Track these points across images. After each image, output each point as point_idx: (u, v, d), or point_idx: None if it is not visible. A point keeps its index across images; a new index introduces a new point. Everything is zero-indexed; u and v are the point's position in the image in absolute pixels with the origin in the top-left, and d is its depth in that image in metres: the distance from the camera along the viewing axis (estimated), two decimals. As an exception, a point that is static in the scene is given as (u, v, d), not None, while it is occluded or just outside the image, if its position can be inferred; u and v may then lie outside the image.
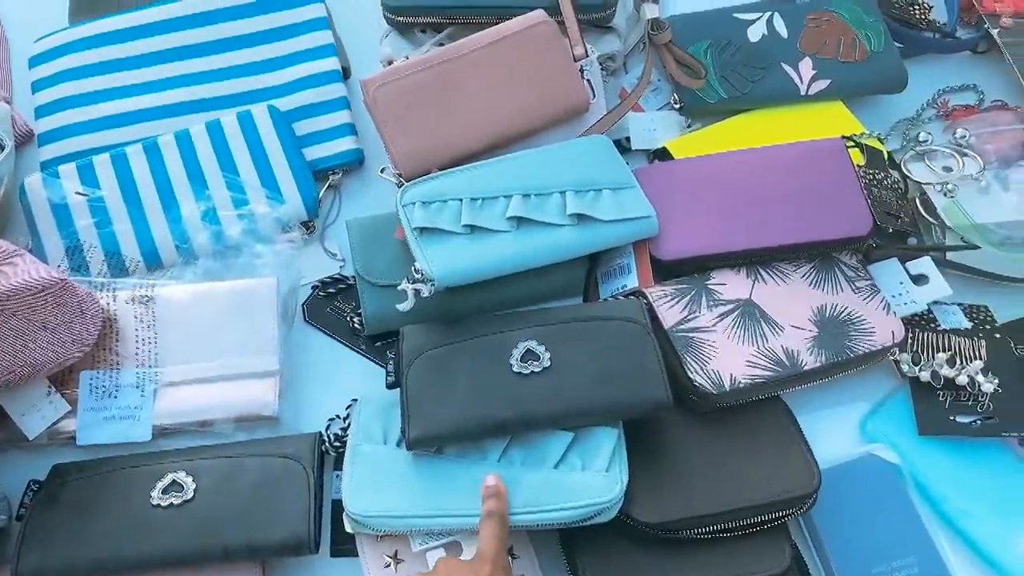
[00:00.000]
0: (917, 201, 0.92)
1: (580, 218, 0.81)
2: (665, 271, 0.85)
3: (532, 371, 0.74)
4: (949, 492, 0.77)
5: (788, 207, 0.84)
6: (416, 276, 0.77)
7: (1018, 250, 0.88)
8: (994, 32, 1.02)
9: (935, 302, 0.87)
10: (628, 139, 0.95)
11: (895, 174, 0.92)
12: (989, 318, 0.86)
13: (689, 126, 0.96)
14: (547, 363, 0.74)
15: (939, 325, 0.85)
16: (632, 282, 0.83)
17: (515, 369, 0.74)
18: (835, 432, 0.81)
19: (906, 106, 1.01)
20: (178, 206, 0.83)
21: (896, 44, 1.02)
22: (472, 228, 0.80)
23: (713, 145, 0.93)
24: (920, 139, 0.96)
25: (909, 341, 0.84)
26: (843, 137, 0.92)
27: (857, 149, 0.92)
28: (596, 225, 0.81)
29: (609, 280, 0.86)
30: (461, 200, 0.80)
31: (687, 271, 0.85)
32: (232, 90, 0.94)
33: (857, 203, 0.84)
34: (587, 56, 0.91)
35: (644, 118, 0.95)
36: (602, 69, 0.98)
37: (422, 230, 0.79)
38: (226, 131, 0.86)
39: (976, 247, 0.87)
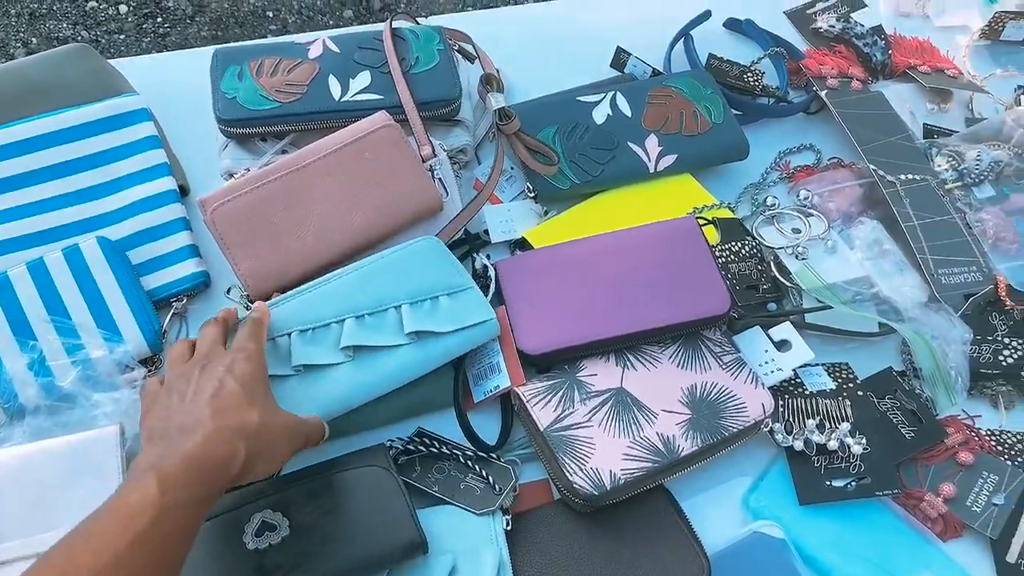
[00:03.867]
0: (772, 266, 0.94)
1: (419, 335, 0.78)
2: (535, 365, 0.84)
3: (270, 544, 0.69)
4: (835, 559, 0.78)
5: (648, 290, 0.85)
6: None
7: (866, 307, 0.91)
8: (822, 93, 1.07)
9: (800, 366, 0.88)
10: (487, 232, 0.94)
11: (751, 241, 0.94)
12: (850, 376, 0.88)
13: (546, 213, 0.96)
14: (286, 532, 0.69)
15: (806, 389, 0.87)
16: (504, 382, 0.81)
17: (250, 546, 0.69)
18: (719, 513, 0.81)
19: (751, 172, 1.04)
20: (0, 361, 0.76)
21: (735, 112, 1.06)
22: (305, 367, 0.76)
23: (571, 230, 0.93)
24: (768, 203, 0.99)
25: (780, 410, 0.85)
26: (696, 214, 0.94)
27: (711, 226, 0.94)
28: (434, 339, 0.78)
29: (481, 382, 0.83)
30: (290, 335, 0.76)
31: (557, 363, 0.83)
32: (61, 221, 0.87)
33: (714, 281, 0.85)
34: (435, 155, 0.89)
35: (500, 209, 0.95)
36: (454, 163, 0.97)
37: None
38: (51, 270, 0.79)
39: (829, 307, 0.89)
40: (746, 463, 0.84)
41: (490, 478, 0.76)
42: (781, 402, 0.85)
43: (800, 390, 0.87)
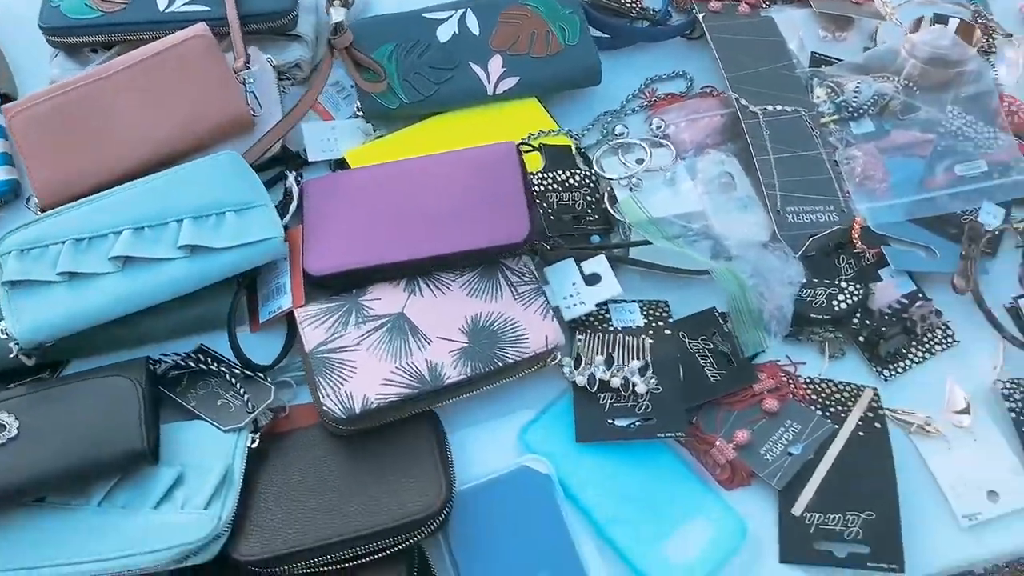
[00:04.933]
0: (606, 197, 0.89)
1: (194, 249, 0.77)
2: (325, 287, 0.82)
3: (-2, 444, 0.70)
4: (601, 500, 0.75)
5: (447, 216, 0.81)
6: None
7: (694, 243, 0.86)
8: (700, 16, 1.00)
9: (613, 301, 0.84)
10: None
11: (585, 170, 0.90)
12: (665, 314, 0.84)
13: (376, 134, 0.93)
14: (13, 433, 0.70)
15: (611, 325, 0.83)
16: (286, 302, 0.80)
17: None
18: (498, 444, 0.78)
19: (615, 98, 0.99)
20: None
21: (603, 35, 1.00)
22: (71, 275, 0.75)
23: (396, 152, 0.90)
24: (616, 132, 0.94)
25: (578, 343, 0.81)
26: (528, 141, 0.90)
27: (538, 152, 0.89)
28: (210, 255, 0.77)
29: (267, 302, 0.82)
30: (63, 243, 0.76)
31: (347, 287, 0.82)
32: None
33: (517, 209, 0.81)
34: (247, 67, 0.87)
35: (323, 127, 0.92)
36: (287, 79, 0.94)
37: (13, 283, 0.75)
38: None
39: (647, 242, 0.84)
40: (535, 396, 0.81)
41: (246, 396, 0.75)
42: (581, 336, 0.82)
43: (605, 325, 0.83)
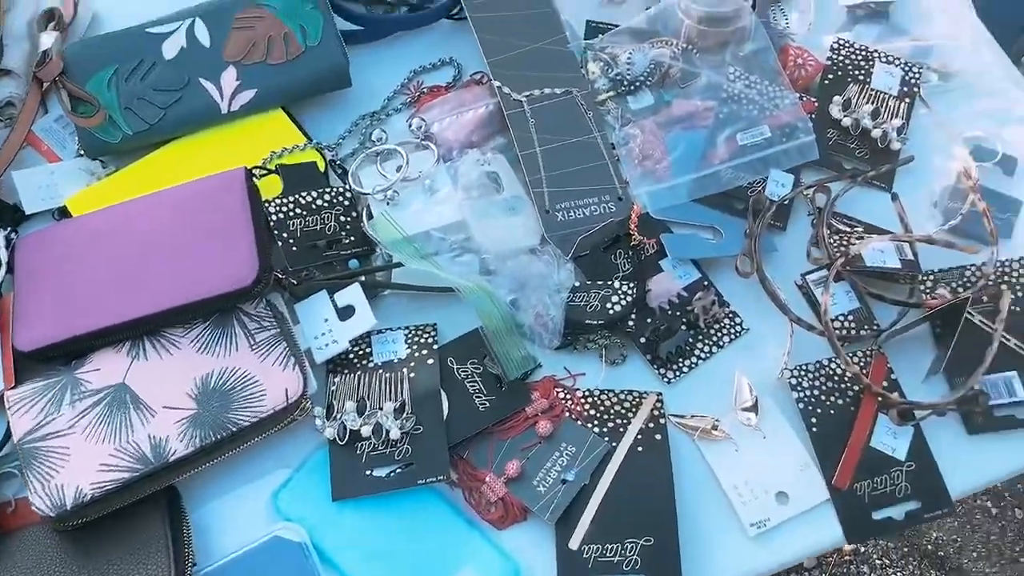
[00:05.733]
0: (364, 215, 0.81)
1: None
2: (47, 361, 0.74)
3: None
4: (359, 562, 0.69)
5: (167, 264, 0.73)
6: None
7: (453, 260, 0.78)
8: (461, -5, 0.91)
9: (377, 331, 0.77)
10: (25, 202, 0.82)
11: (338, 187, 0.81)
12: (432, 340, 0.77)
13: (108, 171, 0.84)
14: None
15: (370, 361, 0.76)
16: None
17: None
18: (248, 514, 0.72)
19: (380, 97, 0.90)
20: None
21: (358, 28, 0.90)
22: None
23: (123, 193, 0.80)
24: (374, 138, 0.86)
25: (331, 388, 0.74)
26: (266, 160, 0.81)
27: (276, 175, 0.81)
28: None
29: (-19, 385, 0.74)
30: None
31: (67, 358, 0.73)
32: None
33: (244, 248, 0.73)
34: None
35: (39, 173, 0.82)
36: (1, 121, 0.84)
37: None
38: None
39: (399, 265, 0.77)
40: (292, 453, 0.74)
41: (-46, 498, 0.68)
42: (337, 379, 0.75)
43: (366, 362, 0.76)
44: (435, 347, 0.77)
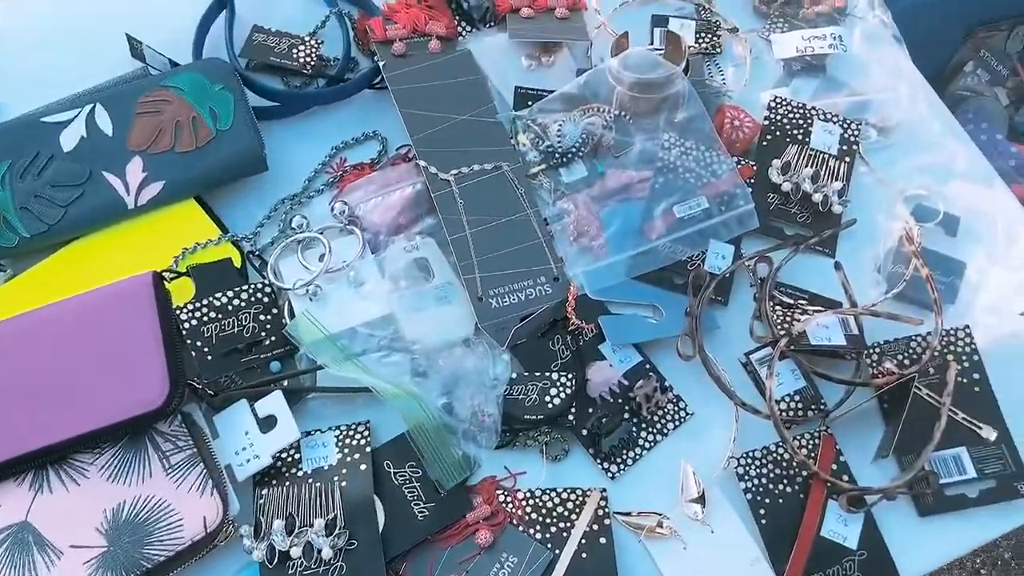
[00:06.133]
0: (286, 311, 0.77)
1: None
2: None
3: None
4: None
5: (71, 385, 0.68)
6: None
7: (381, 359, 0.74)
8: (381, 64, 0.86)
9: (306, 432, 0.73)
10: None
11: (256, 284, 0.77)
12: (364, 442, 0.73)
13: (6, 276, 0.78)
14: None
15: (299, 470, 0.72)
16: None
17: None
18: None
19: (301, 178, 0.85)
20: None
21: (273, 104, 0.86)
22: None
23: (22, 302, 0.75)
24: (294, 225, 0.81)
25: (259, 503, 0.70)
26: (175, 262, 0.76)
27: (187, 277, 0.76)
28: None
29: None
30: None
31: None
32: None
33: (152, 364, 0.68)
34: None
35: (-72, 285, 0.77)
36: None
37: None
38: None
39: (319, 368, 0.73)
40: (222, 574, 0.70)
41: None
42: (265, 491, 0.71)
43: (295, 471, 0.72)
44: (368, 450, 0.72)
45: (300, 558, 0.67)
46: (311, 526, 0.68)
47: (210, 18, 0.88)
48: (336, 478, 0.71)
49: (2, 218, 0.76)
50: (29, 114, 0.81)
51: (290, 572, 0.68)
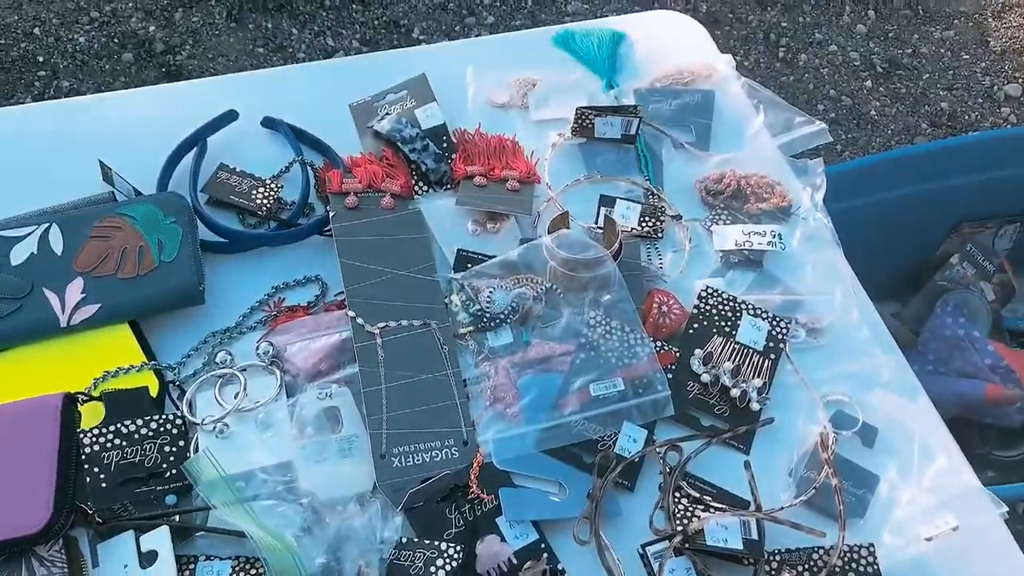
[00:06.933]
0: (193, 446, 0.78)
1: None
2: None
3: None
4: None
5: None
6: None
7: (270, 509, 0.74)
8: (331, 215, 0.90)
9: (195, 559, 0.72)
10: None
11: (167, 415, 0.78)
12: (250, 584, 0.72)
13: (-69, 377, 0.80)
14: None
15: (172, 617, 0.71)
16: None
17: None
18: None
19: (238, 312, 0.88)
20: None
21: (222, 240, 0.90)
22: None
23: (-61, 405, 0.77)
24: (218, 360, 0.83)
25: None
26: (93, 384, 0.78)
27: (99, 401, 0.77)
28: None
29: None
30: None
31: None
32: None
33: (40, 487, 0.69)
34: None
35: None
36: None
37: None
38: None
39: (205, 508, 0.73)
40: None
41: None
42: (131, 632, 0.70)
43: (169, 619, 0.71)
44: (255, 590, 0.72)
45: None
46: None
47: (181, 152, 0.94)
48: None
49: (-61, 356, 0.79)
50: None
51: None
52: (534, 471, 0.80)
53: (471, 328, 0.86)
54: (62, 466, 0.70)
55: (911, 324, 1.69)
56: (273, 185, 0.94)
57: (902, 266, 1.71)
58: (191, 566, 0.72)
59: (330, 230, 0.92)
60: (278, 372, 0.82)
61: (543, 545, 0.77)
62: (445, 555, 0.73)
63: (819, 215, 0.98)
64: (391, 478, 0.76)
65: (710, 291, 0.90)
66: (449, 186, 0.97)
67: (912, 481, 0.82)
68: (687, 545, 0.75)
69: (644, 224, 0.96)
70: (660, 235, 0.96)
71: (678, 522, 0.76)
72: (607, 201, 0.97)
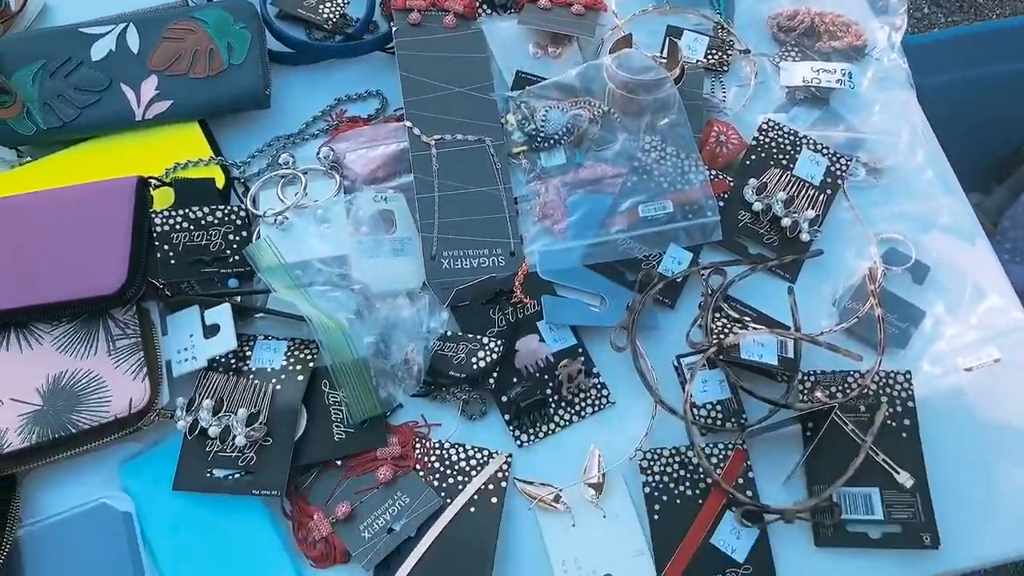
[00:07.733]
0: (255, 236, 0.82)
1: None
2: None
3: None
4: (174, 557, 0.70)
5: (43, 260, 0.74)
6: None
7: (325, 294, 0.78)
8: (394, 29, 0.91)
9: (254, 338, 0.78)
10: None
11: (232, 207, 0.82)
12: (310, 357, 0.77)
13: (23, 161, 0.86)
14: None
15: (245, 365, 0.77)
16: None
17: None
18: (94, 478, 0.74)
19: (300, 121, 0.91)
20: None
21: (289, 51, 0.92)
22: None
23: (30, 185, 0.82)
24: (281, 161, 0.86)
25: (199, 380, 0.75)
26: (167, 173, 0.83)
27: (170, 187, 0.82)
28: None
29: None
30: None
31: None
32: None
33: (117, 255, 0.74)
34: None
35: (-47, 157, 0.85)
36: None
37: None
38: None
39: (266, 291, 0.77)
40: (152, 432, 0.75)
41: None
42: (209, 373, 0.75)
43: (242, 364, 0.77)
44: (311, 365, 0.77)
45: (216, 439, 0.72)
46: (234, 413, 0.73)
47: (256, -35, 0.95)
48: (274, 381, 0.76)
49: (25, 109, 0.84)
50: (70, 24, 0.89)
51: (206, 448, 0.73)
52: (577, 283, 0.82)
53: (524, 147, 0.87)
54: (136, 238, 0.75)
55: (992, 216, 1.62)
56: (339, 0, 0.95)
57: (988, 155, 1.62)
58: (251, 343, 0.78)
59: (392, 47, 0.93)
60: (337, 176, 0.85)
61: (580, 350, 0.80)
62: (486, 347, 0.77)
63: (894, 56, 0.95)
64: (440, 278, 0.80)
65: (771, 124, 0.89)
66: (513, 10, 0.96)
67: (960, 317, 0.81)
68: (721, 357, 0.76)
69: (710, 56, 0.94)
70: (726, 68, 0.94)
71: (715, 337, 0.78)
72: (674, 32, 0.95)
